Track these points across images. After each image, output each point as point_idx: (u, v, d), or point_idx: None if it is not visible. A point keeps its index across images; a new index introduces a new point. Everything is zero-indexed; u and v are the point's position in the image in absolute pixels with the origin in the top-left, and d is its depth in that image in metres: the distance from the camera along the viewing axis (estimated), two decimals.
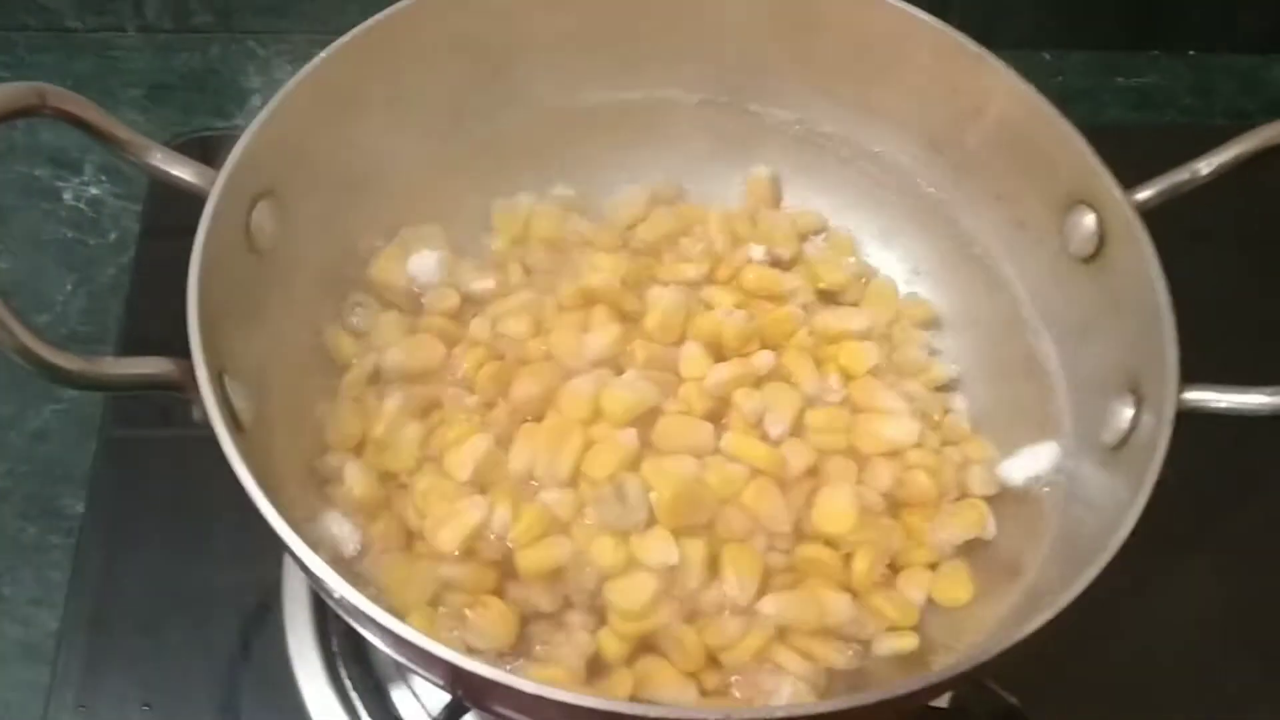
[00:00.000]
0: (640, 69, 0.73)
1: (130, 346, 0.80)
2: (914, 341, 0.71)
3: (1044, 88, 0.66)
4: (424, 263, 0.68)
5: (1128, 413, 0.60)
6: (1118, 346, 0.62)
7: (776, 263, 0.72)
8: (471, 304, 0.69)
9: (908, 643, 0.60)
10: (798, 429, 0.64)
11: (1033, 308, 0.69)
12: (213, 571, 0.73)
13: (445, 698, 0.63)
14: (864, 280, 0.74)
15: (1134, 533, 0.52)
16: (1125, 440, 0.59)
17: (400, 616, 0.47)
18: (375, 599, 0.53)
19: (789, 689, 0.57)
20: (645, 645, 0.59)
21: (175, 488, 0.76)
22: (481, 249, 0.72)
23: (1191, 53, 1.07)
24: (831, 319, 0.69)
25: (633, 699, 0.56)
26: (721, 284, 0.70)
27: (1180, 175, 0.63)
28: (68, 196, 0.91)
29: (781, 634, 0.59)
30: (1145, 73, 1.06)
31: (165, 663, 0.69)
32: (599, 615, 0.59)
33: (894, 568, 0.63)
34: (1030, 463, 0.64)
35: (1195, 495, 0.73)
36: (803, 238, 0.75)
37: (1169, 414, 0.56)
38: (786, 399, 0.64)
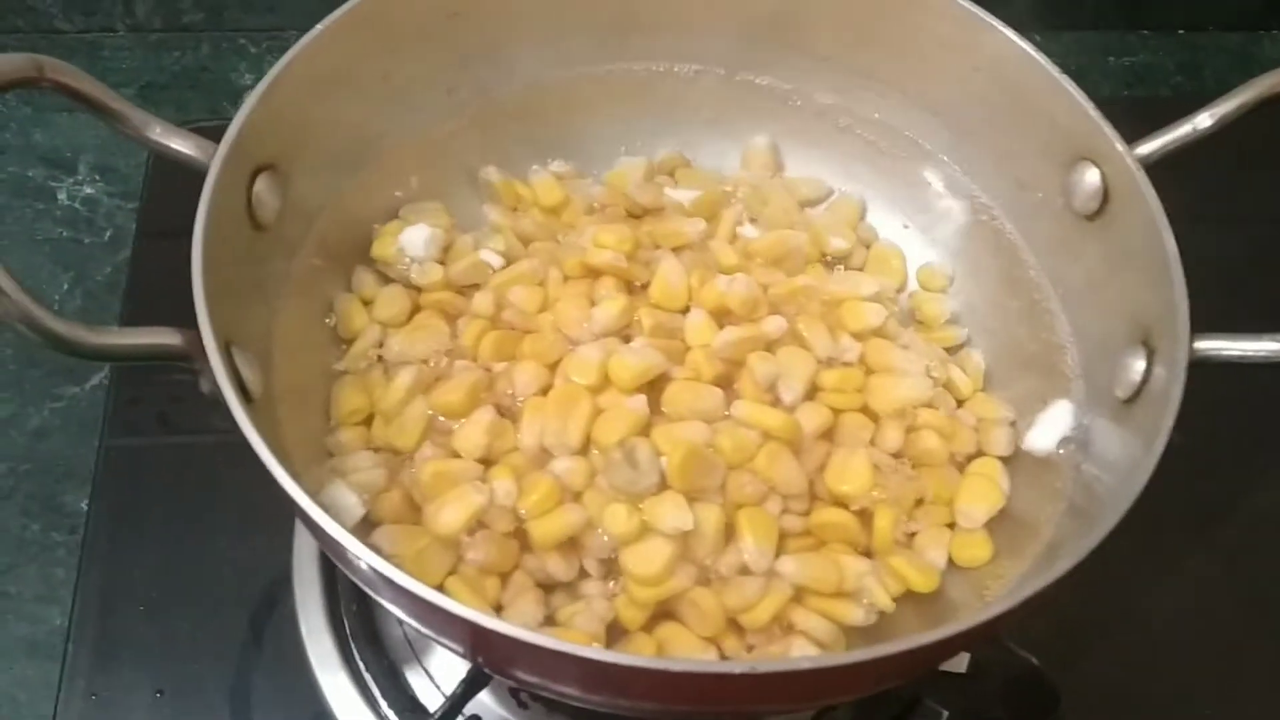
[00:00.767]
0: (636, 40, 0.73)
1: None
2: (923, 304, 0.71)
3: None
4: (413, 237, 0.67)
5: (1139, 365, 0.59)
6: (1126, 300, 0.62)
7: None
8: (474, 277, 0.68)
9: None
10: (810, 391, 0.64)
11: (1039, 267, 0.69)
12: (221, 558, 0.73)
13: (460, 676, 0.63)
14: (868, 245, 0.74)
15: (1153, 496, 0.52)
16: (1138, 393, 0.59)
17: None
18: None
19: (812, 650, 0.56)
20: (663, 611, 0.58)
21: (178, 487, 0.76)
22: (482, 221, 0.72)
23: (1181, 31, 1.08)
24: (839, 285, 0.68)
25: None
26: (725, 242, 0.70)
27: (1183, 128, 0.63)
28: (62, 196, 0.91)
29: (799, 595, 0.59)
30: (1136, 51, 1.07)
31: (176, 650, 0.69)
32: (616, 583, 0.59)
33: (909, 533, 0.63)
34: (1052, 428, 0.63)
35: (1210, 462, 0.73)
36: (805, 205, 0.74)
37: (1182, 362, 0.55)
38: (800, 363, 0.63)
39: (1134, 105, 1.02)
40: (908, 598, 0.61)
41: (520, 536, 0.59)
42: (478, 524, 0.58)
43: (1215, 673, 0.73)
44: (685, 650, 0.57)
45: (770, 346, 0.64)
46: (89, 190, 0.91)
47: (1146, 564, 0.73)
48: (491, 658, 0.51)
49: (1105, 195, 0.63)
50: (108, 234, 0.89)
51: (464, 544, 0.58)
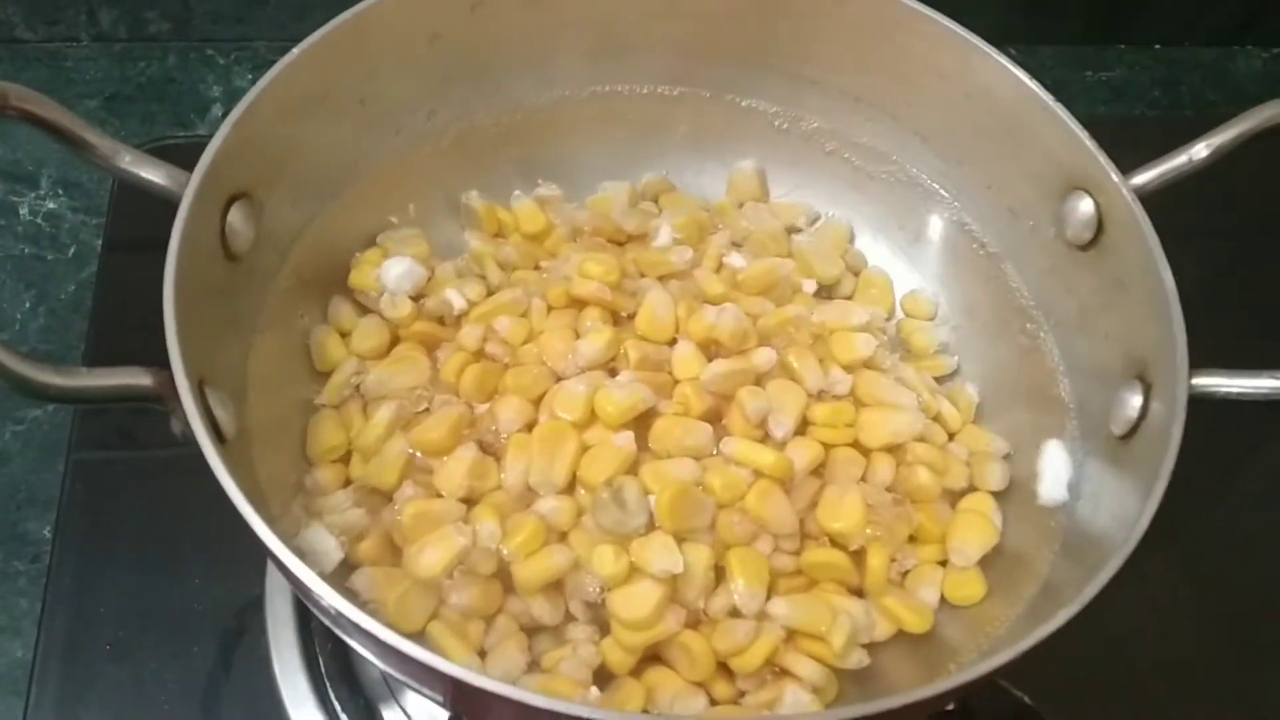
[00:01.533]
0: (620, 62, 0.72)
1: (98, 364, 0.76)
2: (912, 333, 0.70)
3: None
4: (391, 269, 0.66)
5: (1135, 401, 0.58)
6: (1121, 333, 0.61)
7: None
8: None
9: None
10: (801, 425, 0.62)
11: (1030, 296, 0.68)
12: (191, 592, 0.70)
13: (440, 716, 0.61)
14: (857, 272, 0.73)
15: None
16: (1134, 430, 0.58)
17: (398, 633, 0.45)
18: (371, 615, 0.52)
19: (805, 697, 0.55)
20: (652, 655, 0.57)
21: (147, 508, 0.73)
22: (463, 248, 0.70)
23: (1158, 46, 1.08)
24: (829, 315, 0.67)
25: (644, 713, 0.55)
26: (711, 270, 0.69)
27: (1178, 158, 0.62)
28: (24, 211, 0.88)
29: (791, 637, 0.57)
30: (1113, 66, 1.07)
31: (144, 689, 0.67)
32: (602, 626, 0.57)
33: (902, 572, 0.62)
34: (1058, 474, 0.62)
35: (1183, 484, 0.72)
36: (791, 230, 0.73)
37: (1181, 400, 0.55)
38: (791, 397, 0.62)
39: (1114, 125, 1.01)
40: (900, 638, 0.60)
41: (504, 579, 0.57)
42: (460, 566, 0.56)
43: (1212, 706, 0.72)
44: (674, 696, 0.56)
45: (760, 379, 0.63)
46: (51, 205, 0.88)
47: (1136, 593, 0.73)
48: (473, 710, 0.49)
49: (1099, 225, 0.63)
50: (71, 250, 0.86)
51: (446, 587, 0.56)
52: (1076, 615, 0.49)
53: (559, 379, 0.62)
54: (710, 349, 0.64)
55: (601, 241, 0.69)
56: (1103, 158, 0.62)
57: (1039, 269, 0.67)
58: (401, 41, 0.65)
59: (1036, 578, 0.59)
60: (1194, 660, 0.73)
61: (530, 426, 0.60)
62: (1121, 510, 0.56)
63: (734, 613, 0.57)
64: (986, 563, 0.62)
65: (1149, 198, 0.61)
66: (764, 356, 0.63)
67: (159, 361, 0.51)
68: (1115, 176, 0.61)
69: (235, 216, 0.58)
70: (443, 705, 0.51)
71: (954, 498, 0.64)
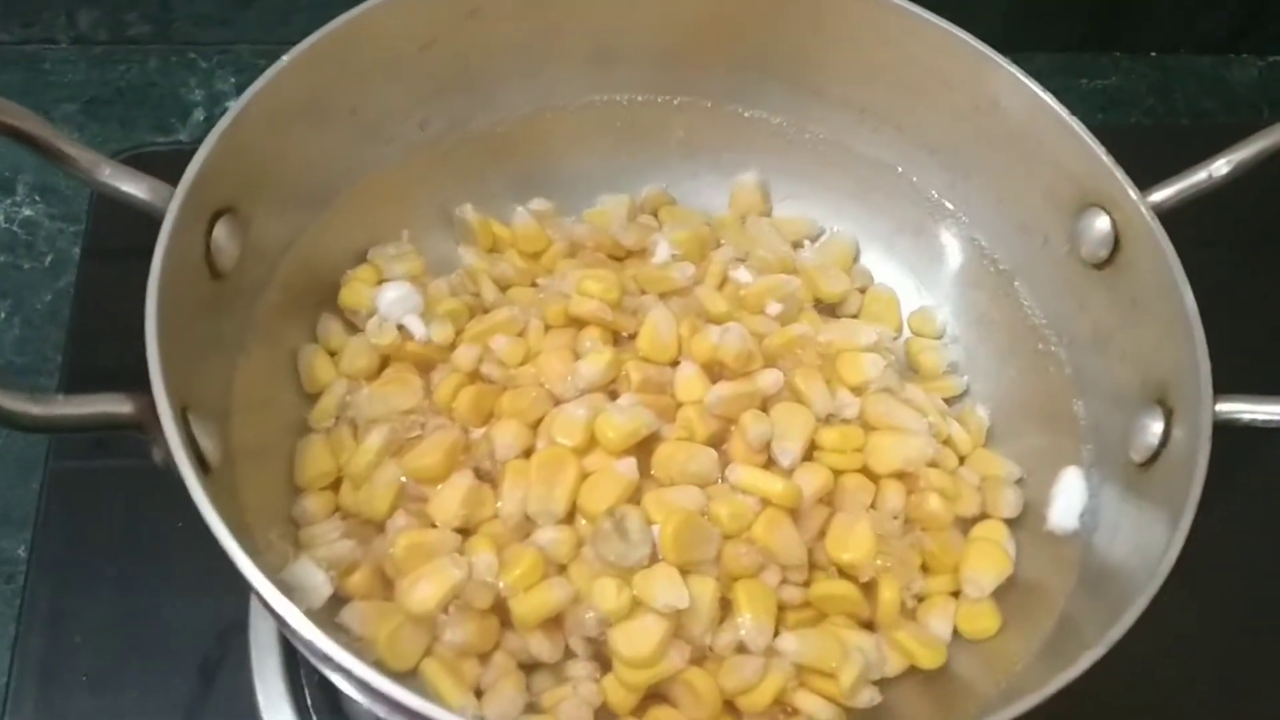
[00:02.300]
0: (618, 71, 0.70)
1: (75, 379, 0.75)
2: (920, 352, 0.68)
3: None
4: (388, 294, 0.63)
5: (1156, 427, 0.57)
6: (1138, 355, 0.60)
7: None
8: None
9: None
10: (808, 450, 0.60)
11: (1042, 315, 0.66)
12: (171, 617, 0.68)
13: None
14: (863, 290, 0.71)
15: None
16: (1155, 457, 0.56)
17: (390, 671, 0.43)
18: (361, 652, 0.49)
19: None
20: (655, 694, 0.55)
21: (126, 524, 0.71)
22: (456, 264, 0.68)
23: (1153, 54, 1.07)
24: (836, 334, 0.65)
25: None
26: (714, 288, 0.67)
27: (1198, 174, 0.60)
28: None
29: (800, 674, 0.55)
30: (1108, 74, 1.07)
31: None
32: (604, 663, 0.55)
33: (916, 596, 0.60)
34: (1070, 502, 0.60)
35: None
36: (796, 245, 0.71)
37: (1206, 428, 0.53)
38: (798, 422, 0.60)
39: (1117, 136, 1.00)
40: (912, 673, 0.58)
41: (501, 613, 0.55)
42: (455, 601, 0.54)
43: None
44: None
45: (766, 402, 0.61)
46: (28, 212, 0.86)
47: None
48: None
49: (1116, 243, 0.61)
50: (49, 259, 0.84)
51: (440, 623, 0.54)
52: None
53: (558, 402, 0.60)
54: (714, 370, 0.62)
55: (601, 257, 0.67)
56: (1120, 174, 0.60)
57: (1052, 287, 0.65)
58: (394, 49, 0.63)
59: (1053, 610, 0.57)
60: (1203, 686, 0.71)
61: (528, 452, 0.58)
62: (1142, 541, 0.54)
63: (741, 649, 0.55)
64: (1000, 594, 0.60)
65: (1166, 215, 0.60)
66: (770, 378, 0.61)
67: (138, 378, 0.48)
68: (1133, 193, 0.59)
69: (221, 232, 0.56)
70: None
71: (965, 525, 0.62)
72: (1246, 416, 0.54)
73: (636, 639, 0.53)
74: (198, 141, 0.55)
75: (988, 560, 0.60)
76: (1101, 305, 0.62)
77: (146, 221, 0.52)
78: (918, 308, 0.71)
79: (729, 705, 0.55)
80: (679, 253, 0.66)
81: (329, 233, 0.64)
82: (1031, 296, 0.66)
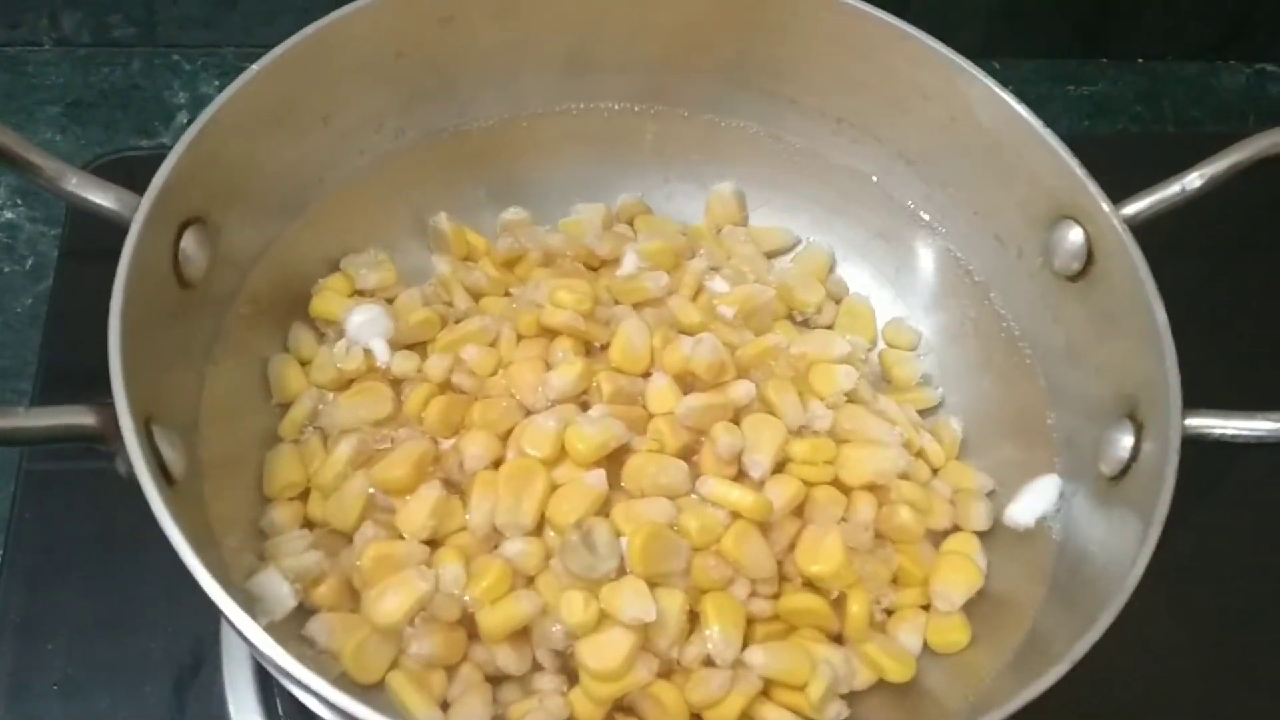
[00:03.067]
0: (592, 79, 0.70)
1: (50, 384, 0.75)
2: (894, 363, 0.68)
3: None
4: (356, 317, 0.63)
5: (1126, 441, 0.57)
6: (1111, 368, 0.60)
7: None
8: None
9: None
10: (779, 462, 0.60)
11: (1016, 327, 0.66)
12: (144, 624, 0.67)
13: None
14: (838, 300, 0.70)
15: None
16: (1125, 470, 0.56)
17: (356, 683, 0.43)
18: (327, 664, 0.49)
19: None
20: (622, 707, 0.55)
21: (100, 530, 0.70)
22: (430, 273, 0.68)
23: (1140, 61, 1.07)
24: (809, 346, 0.65)
25: None
26: (687, 299, 0.66)
27: (1171, 188, 0.60)
28: None
29: (768, 687, 0.55)
30: (1095, 81, 1.06)
31: None
32: (570, 676, 0.55)
33: (886, 609, 0.60)
34: (1034, 503, 0.60)
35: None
36: (772, 256, 0.71)
37: (1175, 443, 0.53)
38: (769, 434, 0.59)
39: (1102, 145, 1.00)
40: (882, 687, 0.58)
41: (468, 625, 0.55)
42: (422, 613, 0.54)
43: None
44: None
45: (738, 413, 0.60)
46: (9, 215, 0.86)
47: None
48: None
49: (1089, 256, 0.61)
50: (29, 262, 0.84)
51: (407, 635, 0.54)
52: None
53: (529, 413, 0.60)
54: (687, 381, 0.61)
55: (578, 266, 0.67)
56: (1093, 186, 0.60)
57: (1026, 299, 0.65)
58: (367, 57, 0.63)
59: (1023, 623, 0.57)
60: (1179, 695, 0.71)
61: (498, 463, 0.58)
62: (1112, 554, 0.54)
63: (708, 662, 0.55)
64: (970, 607, 0.60)
65: (1140, 227, 0.59)
66: (742, 390, 0.61)
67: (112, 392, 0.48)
68: (1106, 206, 0.59)
69: (189, 242, 0.56)
70: None
71: (937, 538, 0.62)
72: (1216, 431, 0.54)
73: (604, 652, 0.53)
74: None
75: (958, 573, 0.60)
76: (1075, 318, 0.62)
77: (121, 227, 0.52)
78: (892, 319, 0.71)
79: (696, 718, 0.55)
80: (646, 265, 0.65)
81: (301, 241, 0.64)
82: (1006, 308, 0.66)
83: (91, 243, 0.80)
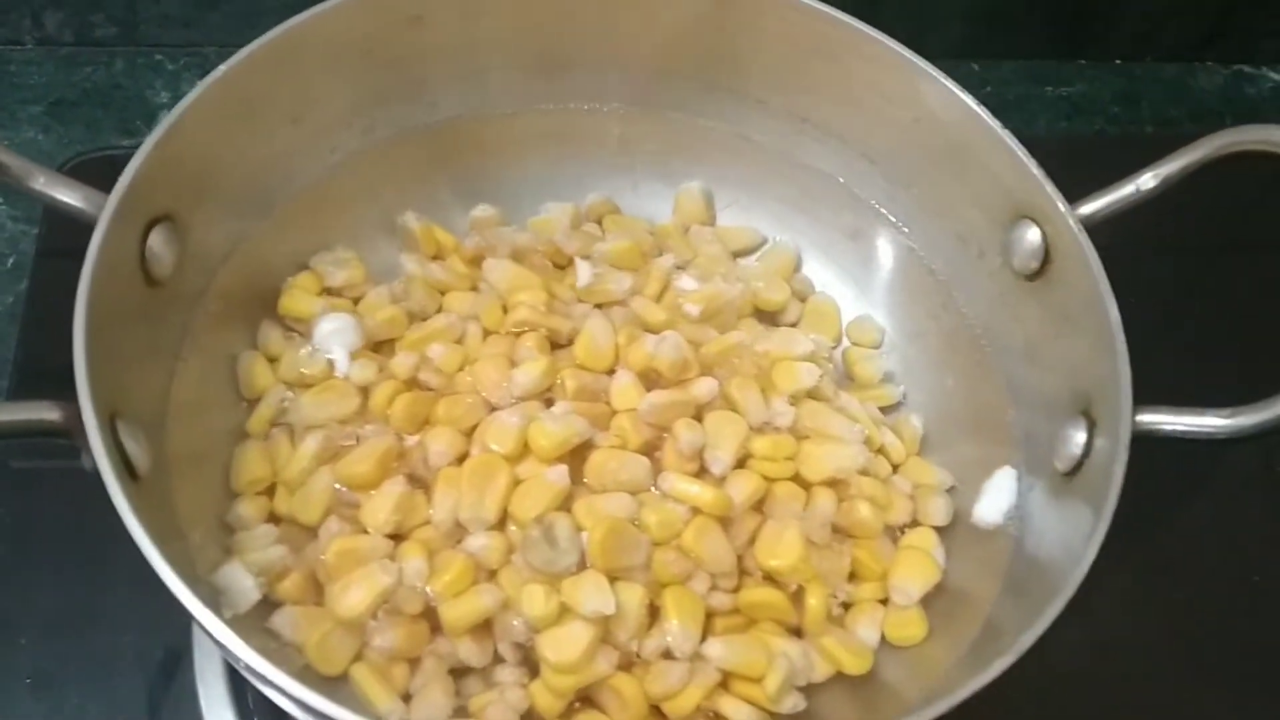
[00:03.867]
0: (561, 79, 0.70)
1: (24, 381, 0.75)
2: (857, 361, 0.69)
3: (973, 98, 0.64)
4: (325, 326, 0.63)
5: (1080, 437, 0.57)
6: (1066, 366, 0.60)
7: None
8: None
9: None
10: (740, 458, 0.61)
11: (978, 325, 0.66)
12: (116, 619, 0.67)
13: None
14: (803, 299, 0.71)
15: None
16: (1079, 466, 0.57)
17: (320, 675, 0.44)
18: (291, 658, 0.50)
19: None
20: (582, 698, 0.55)
21: (71, 524, 0.70)
22: (400, 270, 0.68)
23: (1118, 61, 1.08)
24: (773, 343, 0.65)
25: None
26: (652, 298, 0.67)
27: (1125, 188, 0.61)
28: None
29: (726, 679, 0.56)
30: (1073, 82, 1.07)
31: None
32: (532, 668, 0.56)
33: (844, 603, 0.61)
34: (998, 499, 0.61)
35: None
36: (738, 255, 0.72)
37: (1125, 438, 0.54)
38: (730, 430, 0.60)
39: (1071, 143, 1.00)
40: (839, 679, 0.59)
41: (431, 618, 0.56)
42: (385, 606, 0.55)
43: None
44: None
45: (701, 410, 0.61)
46: None
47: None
48: None
49: (1046, 255, 0.62)
50: (10, 260, 0.84)
51: (370, 628, 0.54)
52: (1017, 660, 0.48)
53: (493, 409, 0.60)
54: (651, 378, 0.62)
55: (546, 265, 0.67)
56: (1049, 186, 0.60)
57: (987, 298, 0.66)
58: (335, 56, 0.64)
59: (979, 616, 0.58)
60: (1141, 694, 0.71)
61: (462, 459, 0.59)
62: (1066, 548, 0.55)
63: (668, 654, 0.56)
64: (928, 600, 0.61)
65: (1098, 227, 0.60)
66: (705, 387, 0.61)
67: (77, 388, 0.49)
68: (1062, 206, 0.60)
69: (156, 240, 0.56)
70: None
71: (896, 533, 0.63)
72: (1167, 427, 0.55)
73: (564, 645, 0.54)
74: None
75: (916, 568, 0.60)
76: (1033, 316, 0.63)
77: (92, 226, 0.53)
78: (857, 317, 0.71)
79: (655, 710, 0.55)
80: (601, 271, 0.66)
81: (270, 240, 0.64)
82: (968, 307, 0.67)
83: (69, 241, 0.81)
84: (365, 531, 0.57)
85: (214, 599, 0.52)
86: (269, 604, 0.56)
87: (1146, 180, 0.60)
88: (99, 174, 0.56)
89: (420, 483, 0.59)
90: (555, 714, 0.54)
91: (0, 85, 0.93)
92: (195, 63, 0.96)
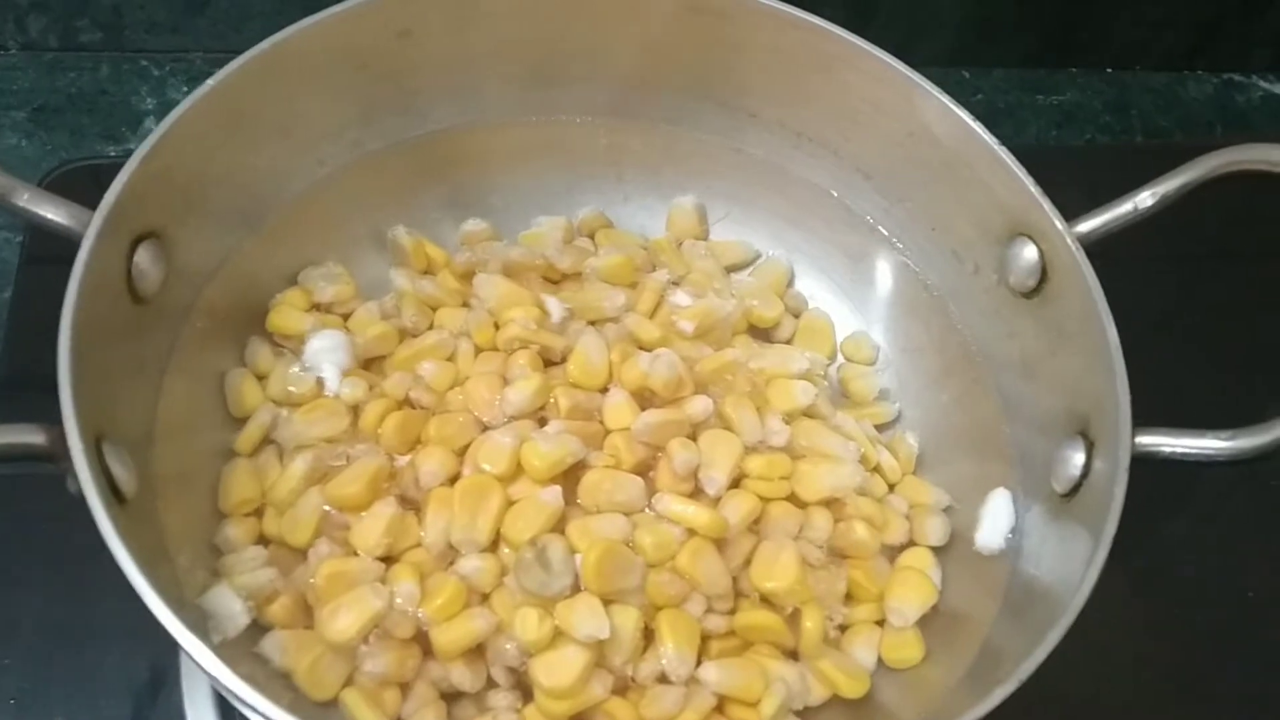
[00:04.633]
0: (553, 92, 0.70)
1: (6, 396, 0.74)
2: (852, 378, 0.68)
3: (964, 106, 0.64)
4: (315, 343, 0.62)
5: (1078, 458, 0.57)
6: (1064, 385, 0.60)
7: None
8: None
9: None
10: (736, 478, 0.60)
11: (974, 343, 0.66)
12: (102, 639, 0.67)
13: None
14: (797, 315, 0.71)
15: None
16: (1077, 488, 0.57)
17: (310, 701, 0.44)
18: (280, 681, 0.49)
19: None
20: None
21: (56, 543, 0.68)
22: (390, 286, 0.68)
23: (1109, 70, 1.08)
24: (768, 361, 0.65)
25: None
26: (645, 314, 0.66)
27: (1123, 206, 0.60)
28: None
29: (721, 704, 0.55)
30: (1064, 90, 1.07)
31: None
32: (525, 692, 0.55)
33: (840, 625, 0.60)
34: (997, 523, 0.61)
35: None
36: (731, 270, 0.71)
37: (1124, 461, 0.53)
38: (725, 450, 0.59)
39: (1062, 154, 1.00)
40: (835, 702, 0.58)
41: (423, 642, 0.55)
42: (376, 630, 0.54)
43: None
44: None
45: (695, 429, 0.61)
46: None
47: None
48: None
49: (1043, 273, 0.61)
50: None
51: (361, 652, 0.54)
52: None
53: (485, 428, 0.60)
54: (645, 397, 0.61)
55: (538, 280, 0.67)
56: (1047, 204, 0.60)
57: (982, 314, 0.66)
58: (324, 70, 0.63)
59: (977, 638, 0.57)
60: (1150, 709, 0.71)
61: (454, 480, 0.58)
62: (1064, 570, 0.54)
63: (663, 678, 0.55)
64: (925, 622, 0.60)
65: (1093, 245, 0.60)
66: (700, 405, 0.61)
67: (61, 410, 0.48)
68: (1059, 224, 0.59)
69: (143, 256, 0.55)
70: None
71: (892, 553, 0.63)
72: (1166, 449, 0.55)
73: (558, 669, 0.53)
74: None
75: (913, 589, 0.60)
76: (1030, 334, 0.63)
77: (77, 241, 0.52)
78: (852, 333, 0.71)
79: None
80: (573, 306, 0.64)
81: (258, 255, 0.63)
82: (963, 323, 0.67)
83: (53, 251, 0.80)
84: (355, 554, 0.56)
85: (202, 624, 0.52)
86: (257, 628, 0.55)
87: (1145, 199, 0.59)
88: (84, 185, 0.55)
89: (411, 504, 0.58)
90: None
91: None
92: (181, 68, 0.95)
